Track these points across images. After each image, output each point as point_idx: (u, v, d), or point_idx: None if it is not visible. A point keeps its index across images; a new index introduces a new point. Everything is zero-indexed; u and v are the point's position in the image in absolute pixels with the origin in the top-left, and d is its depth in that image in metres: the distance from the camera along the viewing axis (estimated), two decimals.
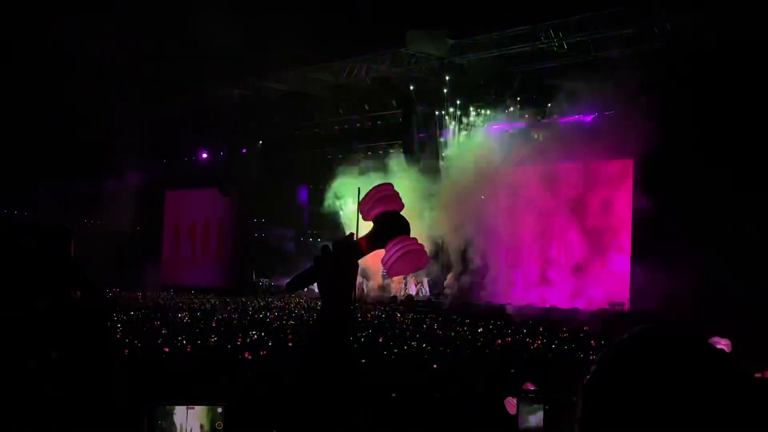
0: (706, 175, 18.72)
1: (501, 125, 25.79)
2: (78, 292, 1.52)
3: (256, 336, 13.46)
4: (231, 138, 34.10)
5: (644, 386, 1.09)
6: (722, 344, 4.49)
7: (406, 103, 28.44)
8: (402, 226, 1.79)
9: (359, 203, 1.84)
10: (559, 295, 23.40)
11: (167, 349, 10.50)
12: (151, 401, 3.33)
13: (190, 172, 36.12)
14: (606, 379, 1.15)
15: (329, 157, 33.12)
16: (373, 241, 1.80)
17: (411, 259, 1.78)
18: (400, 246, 1.76)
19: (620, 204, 23.06)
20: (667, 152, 19.80)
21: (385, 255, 1.78)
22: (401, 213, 1.80)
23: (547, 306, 22.72)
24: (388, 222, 1.79)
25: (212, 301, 26.06)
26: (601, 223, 23.47)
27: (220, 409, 3.30)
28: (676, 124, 19.43)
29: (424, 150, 27.88)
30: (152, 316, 17.52)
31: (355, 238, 1.81)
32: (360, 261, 1.79)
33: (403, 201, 1.82)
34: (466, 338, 15.32)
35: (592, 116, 23.38)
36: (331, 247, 1.78)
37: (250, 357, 9.94)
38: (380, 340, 13.33)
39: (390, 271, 1.80)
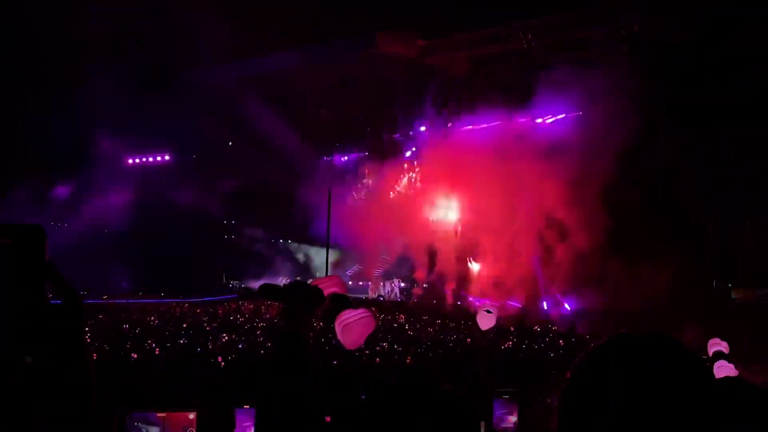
0: (676, 173, 18.98)
1: (472, 125, 25.79)
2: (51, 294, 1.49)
3: (226, 338, 13.33)
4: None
5: (620, 391, 1.09)
6: (722, 346, 4.52)
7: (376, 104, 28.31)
8: (345, 303, 2.00)
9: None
10: (527, 294, 23.53)
11: (135, 356, 10.34)
12: (121, 407, 3.27)
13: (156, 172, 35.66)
14: (583, 384, 1.15)
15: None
16: (327, 317, 1.99)
17: (359, 327, 1.96)
18: (347, 317, 1.95)
19: (589, 204, 23.22)
20: (638, 151, 20.03)
21: (337, 328, 1.95)
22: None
23: (518, 305, 22.83)
24: (334, 301, 1.98)
25: (183, 303, 25.79)
26: (570, 222, 23.63)
27: (191, 415, 3.25)
28: (647, 122, 19.60)
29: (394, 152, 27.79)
30: (120, 320, 17.30)
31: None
32: None
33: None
34: (438, 338, 15.34)
35: (563, 116, 23.51)
36: (302, 289, 1.92)
37: (222, 362, 9.83)
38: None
39: (343, 340, 1.98)
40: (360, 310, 1.95)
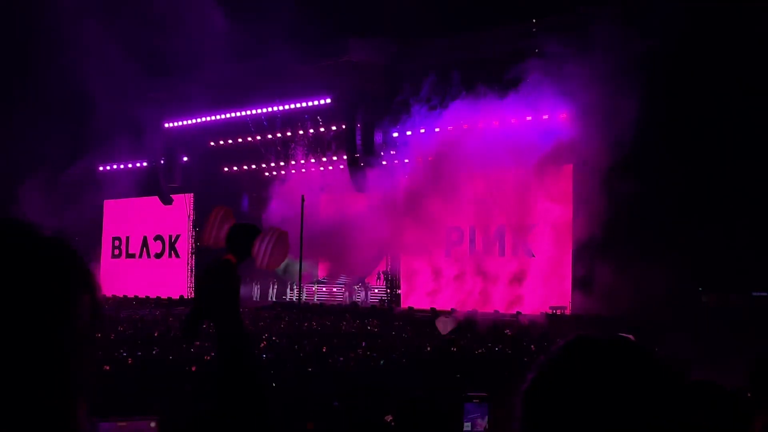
0: (655, 178, 19.11)
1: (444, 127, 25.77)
2: None
3: (198, 344, 13.21)
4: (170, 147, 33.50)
5: (578, 393, 1.09)
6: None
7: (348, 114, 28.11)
8: (252, 229, 1.90)
9: (203, 236, 1.93)
10: (501, 300, 23.63)
11: (107, 367, 10.21)
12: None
13: (129, 180, 35.31)
14: (541, 387, 1.15)
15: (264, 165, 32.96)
16: (239, 252, 1.89)
17: (280, 245, 1.89)
18: (265, 242, 1.87)
19: (563, 207, 23.39)
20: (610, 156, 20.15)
21: (258, 257, 1.87)
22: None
23: (491, 311, 22.91)
24: (240, 231, 1.89)
25: (155, 312, 25.56)
26: (543, 226, 23.80)
27: (153, 424, 3.18)
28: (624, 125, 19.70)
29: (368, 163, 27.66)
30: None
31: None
32: None
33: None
34: (411, 343, 15.34)
35: (534, 119, 23.61)
36: (204, 274, 1.85)
37: (194, 369, 9.75)
38: (324, 350, 13.25)
39: (268, 266, 1.90)
40: (268, 235, 1.88)
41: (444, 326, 6.24)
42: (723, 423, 2.17)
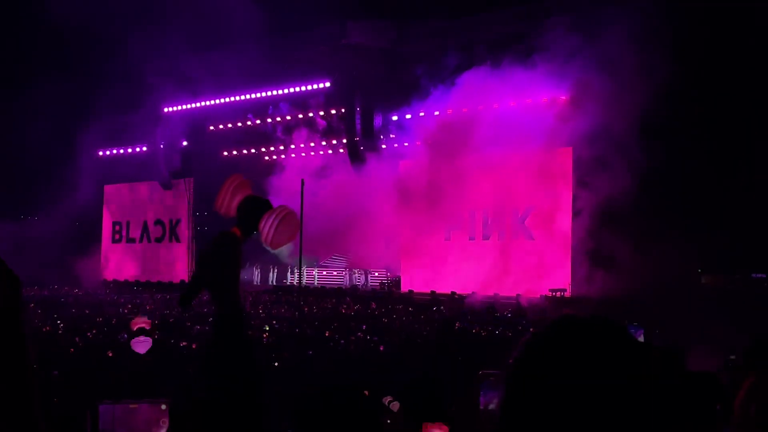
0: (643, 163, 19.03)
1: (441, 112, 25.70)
2: None
3: (199, 328, 13.29)
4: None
5: (561, 372, 1.12)
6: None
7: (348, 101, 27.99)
8: (263, 204, 1.92)
9: (216, 201, 1.95)
10: (500, 283, 23.69)
11: (110, 354, 10.28)
12: (93, 399, 3.26)
13: (129, 165, 35.30)
14: (525, 366, 1.18)
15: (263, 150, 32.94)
16: (245, 226, 1.92)
17: (287, 224, 1.91)
18: (272, 218, 1.90)
19: (561, 191, 23.41)
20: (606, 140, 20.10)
21: (263, 232, 1.90)
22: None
23: (491, 294, 22.99)
24: (251, 204, 1.91)
25: (156, 296, 25.66)
26: (542, 208, 23.82)
27: (163, 406, 3.25)
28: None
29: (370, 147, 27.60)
30: (93, 313, 17.18)
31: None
32: None
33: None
34: (413, 327, 15.43)
35: (533, 103, 23.58)
36: (208, 244, 1.86)
37: (195, 347, 9.83)
38: (326, 334, 13.32)
39: (272, 244, 1.93)
40: (276, 211, 1.89)
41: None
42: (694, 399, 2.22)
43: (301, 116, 30.11)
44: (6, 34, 28.80)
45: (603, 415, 1.08)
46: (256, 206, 1.83)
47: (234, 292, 1.64)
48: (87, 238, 35.50)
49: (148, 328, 5.09)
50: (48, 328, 13.29)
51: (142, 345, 4.94)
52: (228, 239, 1.77)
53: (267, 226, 1.83)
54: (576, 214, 22.36)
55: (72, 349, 10.02)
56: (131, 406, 3.18)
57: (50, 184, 32.07)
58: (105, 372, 7.57)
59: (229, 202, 1.80)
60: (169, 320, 15.86)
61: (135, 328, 5.12)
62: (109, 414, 3.12)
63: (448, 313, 18.74)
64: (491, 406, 4.38)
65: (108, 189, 36.72)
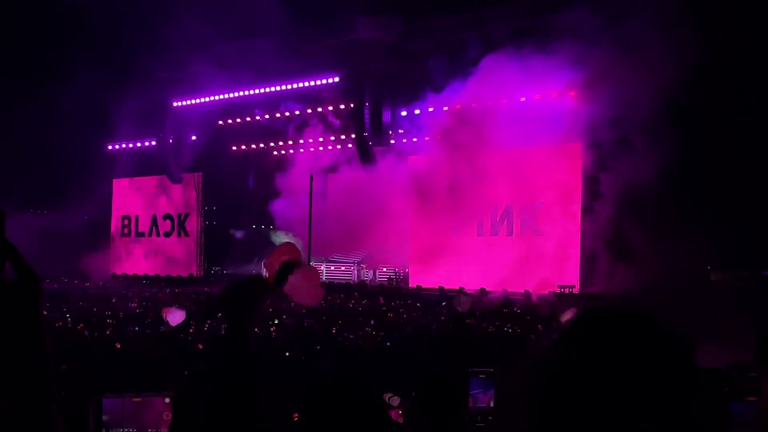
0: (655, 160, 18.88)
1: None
2: None
3: (208, 326, 13.30)
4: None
5: (595, 364, 1.07)
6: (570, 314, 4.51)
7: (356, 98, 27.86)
8: (294, 266, 1.98)
9: (266, 262, 2.03)
10: (509, 279, 23.63)
11: (119, 345, 10.31)
12: (97, 392, 3.24)
13: (138, 159, 35.39)
14: (557, 359, 1.12)
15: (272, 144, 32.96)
16: (277, 280, 1.97)
17: (307, 286, 1.96)
18: (300, 277, 1.95)
19: (571, 185, 23.31)
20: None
21: (289, 292, 1.95)
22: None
23: (500, 290, 22.93)
24: (285, 265, 1.96)
25: (165, 290, 25.72)
26: (550, 203, 23.75)
27: (167, 399, 3.23)
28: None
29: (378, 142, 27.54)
30: (101, 306, 17.23)
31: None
32: None
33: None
34: (419, 322, 15.41)
35: (543, 97, 23.45)
36: (241, 281, 1.93)
37: (202, 347, 9.82)
38: (333, 330, 13.31)
39: (297, 300, 1.98)
40: (301, 273, 1.95)
41: (461, 304, 6.22)
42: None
43: (310, 111, 30.06)
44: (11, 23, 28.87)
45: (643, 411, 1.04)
46: (289, 267, 1.88)
47: (247, 325, 1.71)
48: (96, 231, 35.63)
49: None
50: (59, 323, 13.33)
51: (175, 316, 5.05)
52: (258, 282, 1.81)
53: (292, 287, 1.87)
54: (587, 210, 22.26)
55: (77, 343, 10.03)
56: (134, 399, 3.17)
57: (60, 177, 32.19)
58: (110, 366, 7.57)
59: (272, 267, 1.87)
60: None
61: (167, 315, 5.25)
62: (112, 407, 3.11)
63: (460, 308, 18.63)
64: (479, 404, 4.35)
65: (117, 183, 36.84)
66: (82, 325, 12.46)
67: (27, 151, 31.92)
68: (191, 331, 11.96)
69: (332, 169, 29.46)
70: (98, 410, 3.15)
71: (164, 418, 3.20)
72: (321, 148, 31.10)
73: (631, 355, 1.07)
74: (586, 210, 22.12)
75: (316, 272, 1.97)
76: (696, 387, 1.07)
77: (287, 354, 9.13)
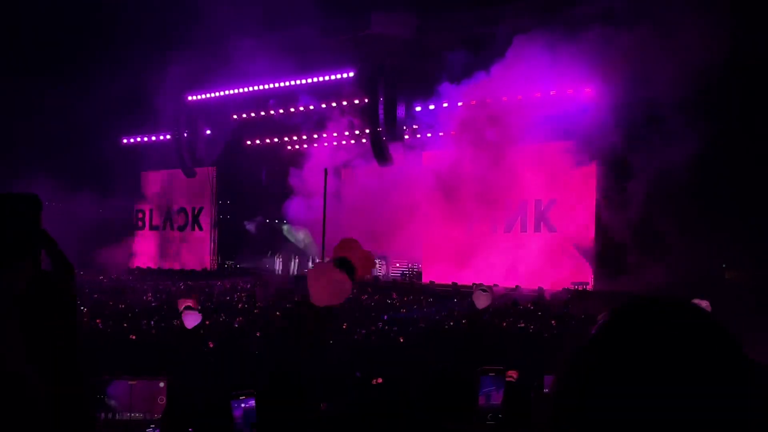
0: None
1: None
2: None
3: (224, 318, 13.35)
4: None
5: (642, 353, 1.03)
6: (703, 305, 4.53)
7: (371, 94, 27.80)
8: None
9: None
10: (523, 276, 23.57)
11: (134, 337, 10.36)
12: (92, 374, 3.25)
13: (152, 153, 35.49)
14: (602, 349, 1.07)
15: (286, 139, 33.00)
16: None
17: (327, 285, 1.95)
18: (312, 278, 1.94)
19: (586, 182, 23.20)
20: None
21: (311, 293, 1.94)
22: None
23: (512, 286, 22.87)
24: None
25: (179, 284, 25.82)
26: (565, 198, 23.67)
27: (162, 383, 3.23)
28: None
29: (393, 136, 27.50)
30: (116, 299, 17.32)
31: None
32: None
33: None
34: (433, 318, 15.39)
35: (559, 93, 23.33)
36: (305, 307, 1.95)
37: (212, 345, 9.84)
38: (344, 326, 13.30)
39: (320, 302, 1.96)
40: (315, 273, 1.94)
41: (481, 300, 6.16)
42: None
43: (324, 106, 30.02)
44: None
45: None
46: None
47: (295, 354, 1.78)
48: (111, 225, 35.75)
49: (193, 306, 5.30)
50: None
51: (191, 318, 5.17)
52: (306, 312, 1.83)
53: (311, 288, 1.86)
54: (600, 207, 22.17)
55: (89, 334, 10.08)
56: (130, 382, 3.17)
57: (75, 170, 32.29)
58: (116, 353, 7.62)
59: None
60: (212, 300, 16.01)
61: (182, 307, 5.34)
62: (108, 389, 3.11)
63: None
64: (491, 402, 4.33)
65: (132, 177, 36.99)
66: (88, 318, 12.53)
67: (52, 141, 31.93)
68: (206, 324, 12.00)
69: (346, 165, 29.45)
70: (94, 390, 3.16)
71: (159, 401, 3.20)
72: (335, 143, 31.08)
73: (685, 348, 1.02)
74: (610, 203, 21.89)
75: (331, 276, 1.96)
76: (755, 379, 1.03)
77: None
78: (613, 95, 20.76)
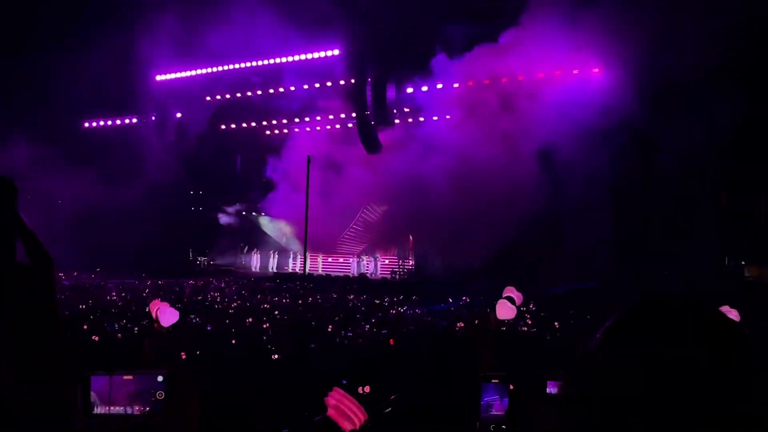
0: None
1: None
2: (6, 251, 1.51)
3: (197, 320, 13.35)
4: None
5: (653, 353, 1.09)
6: (732, 314, 4.60)
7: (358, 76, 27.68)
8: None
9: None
10: (525, 275, 23.63)
11: (96, 338, 10.36)
12: (86, 369, 3.28)
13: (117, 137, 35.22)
14: (613, 348, 1.14)
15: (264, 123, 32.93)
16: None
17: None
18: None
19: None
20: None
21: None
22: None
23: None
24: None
25: (146, 281, 25.76)
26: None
27: (160, 378, 3.27)
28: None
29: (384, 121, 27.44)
30: (80, 299, 17.25)
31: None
32: None
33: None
34: (424, 320, 15.43)
35: (562, 75, 23.41)
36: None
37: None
38: (329, 329, 13.33)
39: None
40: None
41: (504, 311, 5.84)
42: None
43: (306, 87, 29.85)
44: None
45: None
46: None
47: None
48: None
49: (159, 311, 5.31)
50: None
51: (167, 317, 5.17)
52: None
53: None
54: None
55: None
56: (125, 378, 3.20)
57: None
58: (104, 348, 7.65)
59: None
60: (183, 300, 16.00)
61: (155, 308, 5.35)
62: (101, 386, 3.14)
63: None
64: (494, 411, 4.39)
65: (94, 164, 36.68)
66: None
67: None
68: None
69: (330, 149, 29.32)
70: (86, 388, 3.19)
71: (157, 397, 3.23)
72: (318, 128, 31.01)
73: (696, 346, 1.08)
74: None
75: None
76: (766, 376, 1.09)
77: (275, 356, 9.17)
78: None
